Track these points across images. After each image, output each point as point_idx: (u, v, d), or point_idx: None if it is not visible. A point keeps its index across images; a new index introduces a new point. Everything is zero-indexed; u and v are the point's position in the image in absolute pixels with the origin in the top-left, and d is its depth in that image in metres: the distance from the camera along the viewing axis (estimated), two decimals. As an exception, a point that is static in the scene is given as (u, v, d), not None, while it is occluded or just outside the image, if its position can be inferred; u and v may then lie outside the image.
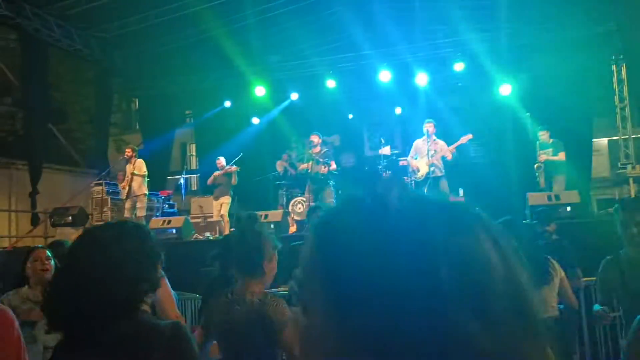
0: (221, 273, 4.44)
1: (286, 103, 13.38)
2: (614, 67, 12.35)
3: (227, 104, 13.57)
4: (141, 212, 10.33)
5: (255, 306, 2.52)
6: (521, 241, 3.75)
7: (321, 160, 9.90)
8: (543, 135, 9.46)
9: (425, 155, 9.29)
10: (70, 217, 10.87)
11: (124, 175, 10.70)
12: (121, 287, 1.49)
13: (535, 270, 3.68)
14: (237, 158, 10.88)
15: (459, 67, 11.71)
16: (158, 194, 12.20)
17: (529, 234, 4.24)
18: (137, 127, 18.48)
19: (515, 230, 3.94)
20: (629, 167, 10.51)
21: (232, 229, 3.57)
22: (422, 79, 12.01)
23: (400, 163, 11.02)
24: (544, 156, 9.28)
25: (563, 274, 3.91)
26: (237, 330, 2.53)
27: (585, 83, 11.70)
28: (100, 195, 11.14)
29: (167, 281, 3.61)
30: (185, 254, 7.52)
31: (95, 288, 1.46)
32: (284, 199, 11.57)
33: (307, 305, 0.59)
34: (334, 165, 10.08)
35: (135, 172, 10.20)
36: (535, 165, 9.45)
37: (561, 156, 9.26)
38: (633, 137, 12.14)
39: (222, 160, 10.83)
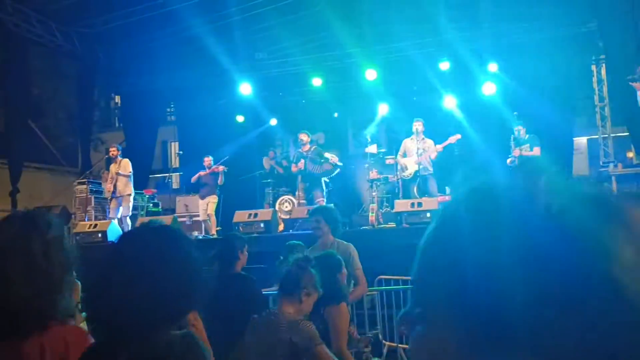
0: (221, 272, 4.43)
1: (272, 101, 13.33)
2: (593, 68, 12.60)
3: (213, 102, 13.50)
4: (126, 212, 10.20)
5: (283, 327, 2.88)
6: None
7: (318, 162, 9.95)
8: (520, 131, 9.49)
9: (414, 153, 9.37)
10: (52, 217, 10.68)
11: (109, 174, 10.52)
12: (166, 298, 1.41)
13: None
14: (223, 159, 10.80)
15: (444, 66, 11.82)
16: (142, 193, 12.05)
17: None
18: (117, 124, 18.25)
19: None
20: (611, 165, 10.73)
21: (281, 258, 3.83)
22: (407, 77, 12.12)
23: (387, 162, 11.08)
24: (517, 151, 9.31)
25: None
26: (263, 345, 2.92)
27: (566, 83, 11.94)
28: (84, 194, 10.96)
29: None
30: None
31: (138, 297, 1.39)
32: (271, 197, 11.54)
33: (426, 311, 0.53)
34: (327, 155, 10.14)
35: (121, 171, 10.07)
36: (508, 161, 9.47)
37: (536, 151, 9.27)
38: (612, 136, 12.40)
39: (210, 160, 10.74)
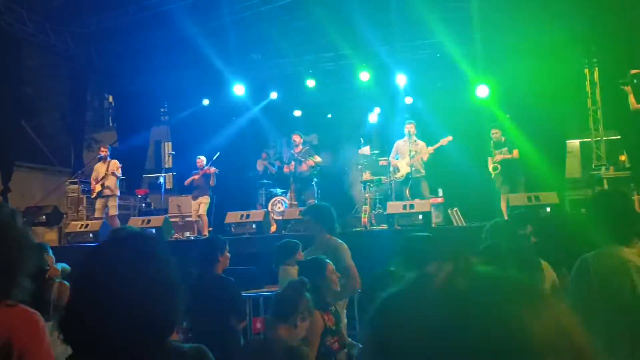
0: (200, 274, 4.40)
1: (265, 102, 13.32)
2: (586, 71, 12.62)
3: (205, 102, 13.45)
4: (114, 211, 10.20)
5: (280, 354, 2.80)
6: (512, 244, 3.81)
7: (303, 160, 9.92)
8: (496, 134, 9.39)
9: (406, 155, 9.37)
10: (44, 217, 10.64)
11: (95, 174, 10.45)
12: (154, 313, 1.32)
13: (529, 274, 3.72)
14: (214, 157, 10.78)
15: (436, 68, 11.84)
16: (134, 193, 12.01)
17: (515, 236, 4.28)
18: (110, 124, 18.17)
19: (503, 232, 3.98)
20: (603, 168, 10.75)
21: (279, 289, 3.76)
22: (401, 79, 12.14)
23: (380, 163, 11.08)
24: (499, 156, 9.26)
25: (554, 275, 3.98)
26: None
27: (559, 86, 11.96)
28: (75, 194, 10.91)
29: None
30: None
31: (123, 313, 1.28)
32: (264, 198, 11.53)
33: None
34: (318, 158, 10.09)
35: (116, 172, 10.08)
36: (492, 166, 9.44)
37: (515, 154, 9.23)
38: (605, 139, 12.42)
39: (202, 160, 10.70)
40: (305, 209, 4.82)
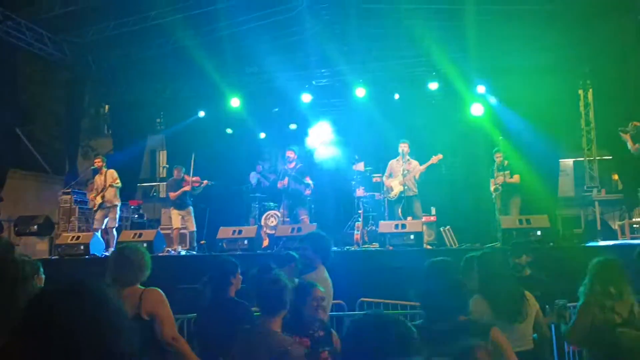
0: (213, 298, 4.40)
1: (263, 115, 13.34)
2: (580, 92, 12.71)
3: (201, 113, 13.43)
4: (112, 223, 10.08)
5: (279, 338, 3.00)
6: (498, 276, 3.82)
7: (300, 177, 9.95)
8: (499, 158, 9.57)
9: (399, 175, 9.39)
10: (35, 226, 10.60)
11: (94, 185, 10.39)
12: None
13: (512, 308, 3.74)
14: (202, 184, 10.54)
15: (432, 86, 11.89)
16: (127, 204, 11.97)
17: (504, 268, 4.27)
18: (106, 132, 18.16)
19: (492, 264, 3.97)
20: (595, 190, 10.82)
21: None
22: (396, 96, 12.19)
23: (374, 180, 11.11)
24: (501, 178, 9.36)
25: (537, 306, 3.99)
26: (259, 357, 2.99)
27: (554, 105, 12.03)
28: (68, 204, 10.87)
29: (165, 299, 3.65)
30: (157, 269, 7.38)
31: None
32: (257, 211, 11.51)
33: None
34: (308, 180, 10.10)
35: (113, 184, 9.98)
36: (493, 188, 9.52)
37: (516, 178, 9.36)
38: (597, 159, 12.50)
39: (180, 170, 10.55)
40: (305, 235, 4.87)
